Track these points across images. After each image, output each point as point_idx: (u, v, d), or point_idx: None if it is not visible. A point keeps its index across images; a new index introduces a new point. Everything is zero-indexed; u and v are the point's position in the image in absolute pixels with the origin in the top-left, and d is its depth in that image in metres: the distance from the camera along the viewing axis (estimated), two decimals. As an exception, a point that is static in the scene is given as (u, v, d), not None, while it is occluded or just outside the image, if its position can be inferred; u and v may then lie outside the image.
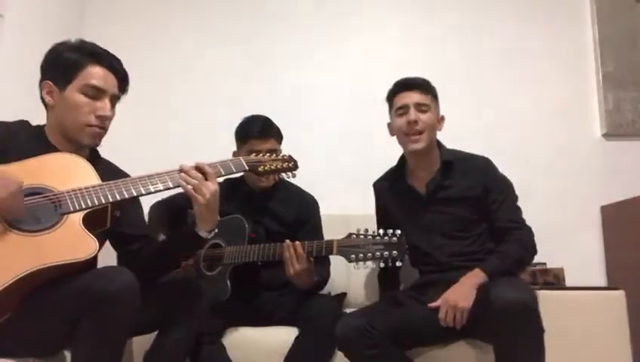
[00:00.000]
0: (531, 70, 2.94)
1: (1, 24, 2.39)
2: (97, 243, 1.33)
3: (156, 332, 1.56)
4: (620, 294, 2.03)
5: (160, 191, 1.49)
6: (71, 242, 1.32)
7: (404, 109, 1.97)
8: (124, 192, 1.43)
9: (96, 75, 1.51)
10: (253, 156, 1.73)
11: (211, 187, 1.50)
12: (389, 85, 2.06)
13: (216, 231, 1.58)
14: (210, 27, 3.07)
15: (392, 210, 2.06)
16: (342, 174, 2.78)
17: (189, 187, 1.48)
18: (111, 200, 1.41)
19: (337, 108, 2.95)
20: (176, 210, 2.12)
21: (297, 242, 1.87)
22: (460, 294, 1.71)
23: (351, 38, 3.03)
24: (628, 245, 2.53)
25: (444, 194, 1.97)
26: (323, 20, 3.05)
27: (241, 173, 2.27)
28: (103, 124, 1.53)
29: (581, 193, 2.79)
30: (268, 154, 1.76)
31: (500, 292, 1.58)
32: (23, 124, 1.55)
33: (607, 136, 2.86)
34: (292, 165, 1.76)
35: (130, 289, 1.28)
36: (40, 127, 1.56)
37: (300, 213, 2.19)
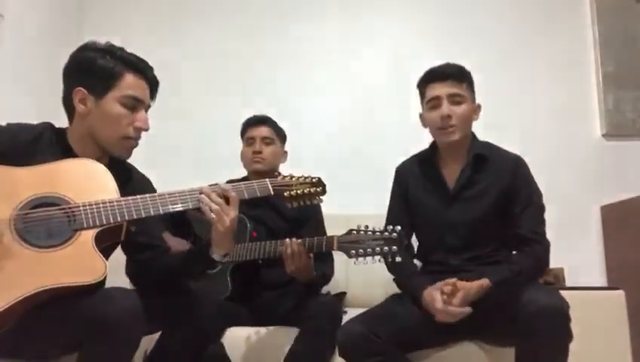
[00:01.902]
0: (531, 70, 2.94)
1: (1, 24, 2.39)
2: (106, 265, 1.29)
3: (158, 333, 1.56)
4: (619, 294, 2.03)
5: (179, 211, 1.43)
6: (80, 263, 1.29)
7: (436, 101, 1.84)
8: (142, 211, 1.38)
9: (135, 85, 1.45)
10: (280, 178, 1.59)
11: (232, 214, 1.42)
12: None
13: (230, 257, 1.51)
14: (214, 24, 3.08)
15: (416, 198, 1.95)
16: (342, 174, 2.78)
17: (212, 214, 1.42)
18: (127, 218, 1.37)
19: (338, 107, 2.96)
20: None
21: (294, 239, 1.86)
22: (472, 298, 1.67)
23: (352, 38, 3.03)
24: (628, 245, 2.53)
25: (471, 192, 1.86)
26: (328, 17, 3.06)
27: (246, 173, 2.30)
28: (139, 136, 1.49)
29: (581, 193, 2.79)
30: (295, 177, 1.59)
31: (533, 295, 1.56)
32: (47, 126, 1.50)
33: (607, 136, 2.87)
34: (320, 190, 1.59)
35: (133, 314, 1.25)
36: (62, 131, 1.51)
37: (303, 209, 2.19)
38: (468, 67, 1.89)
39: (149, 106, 1.52)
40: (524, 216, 1.81)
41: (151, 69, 1.51)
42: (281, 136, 2.30)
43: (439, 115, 1.83)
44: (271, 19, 3.06)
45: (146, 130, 1.48)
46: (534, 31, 2.98)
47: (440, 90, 1.85)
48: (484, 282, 1.68)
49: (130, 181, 1.52)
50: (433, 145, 1.98)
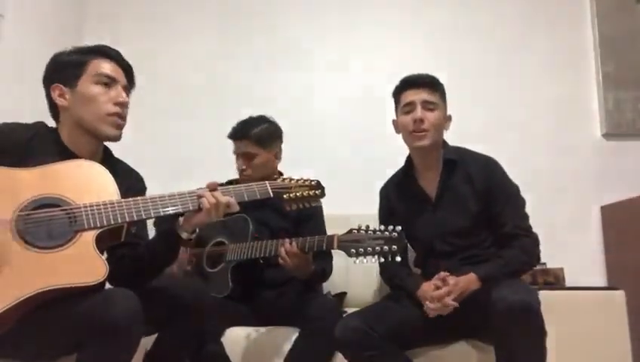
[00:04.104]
0: (531, 70, 2.94)
1: (1, 24, 2.39)
2: (107, 267, 1.30)
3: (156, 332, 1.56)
4: (620, 294, 2.03)
5: (179, 213, 1.45)
6: (81, 264, 1.29)
7: (410, 107, 1.92)
8: (142, 213, 1.39)
9: (104, 65, 1.52)
10: (280, 181, 1.60)
11: (224, 206, 1.47)
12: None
13: (197, 231, 1.54)
14: (213, 26, 3.07)
15: (401, 213, 1.99)
16: (342, 173, 2.78)
17: (207, 205, 1.45)
18: (127, 220, 1.38)
19: (338, 107, 2.96)
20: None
21: (287, 239, 1.86)
22: (461, 295, 1.71)
23: (352, 37, 3.03)
24: (628, 245, 2.53)
25: (451, 198, 1.91)
26: (326, 17, 3.06)
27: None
28: (122, 112, 1.52)
29: (581, 193, 2.79)
30: (295, 180, 1.61)
31: (502, 293, 1.57)
32: (42, 125, 1.53)
33: (607, 136, 2.87)
34: (319, 193, 1.61)
35: (133, 315, 1.25)
36: (54, 130, 1.54)
37: (304, 209, 2.18)
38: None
39: (126, 87, 1.56)
40: (506, 214, 1.86)
41: (118, 53, 1.57)
42: (268, 141, 2.19)
43: (412, 118, 1.91)
44: (271, 19, 3.06)
45: (126, 103, 1.53)
46: (534, 31, 2.97)
47: (414, 96, 1.93)
48: (471, 276, 1.73)
49: (116, 176, 1.50)
50: (409, 160, 2.05)
